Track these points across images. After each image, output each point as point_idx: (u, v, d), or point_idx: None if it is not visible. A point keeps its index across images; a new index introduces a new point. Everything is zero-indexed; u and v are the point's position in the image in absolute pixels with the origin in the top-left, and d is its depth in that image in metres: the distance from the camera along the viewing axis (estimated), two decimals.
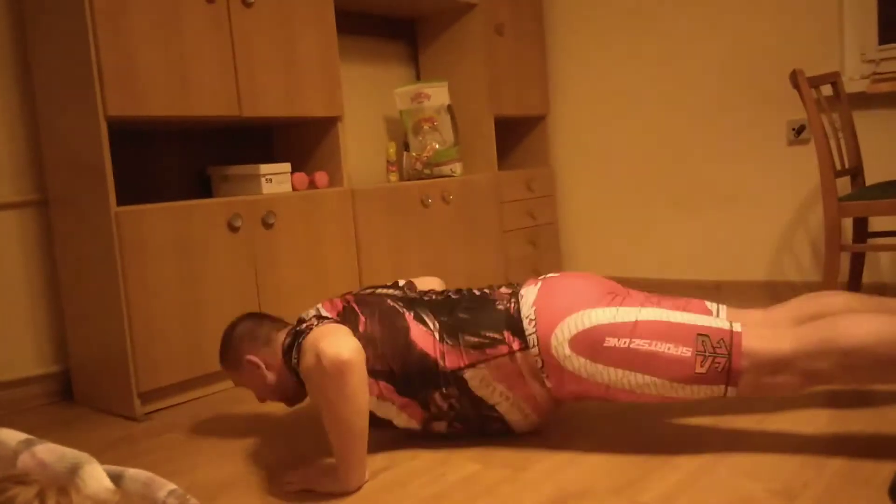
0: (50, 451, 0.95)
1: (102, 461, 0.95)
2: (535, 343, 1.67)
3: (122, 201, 2.62)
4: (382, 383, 1.75)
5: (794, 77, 2.52)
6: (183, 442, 2.04)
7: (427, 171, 3.35)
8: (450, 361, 1.72)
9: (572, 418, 1.95)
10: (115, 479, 0.96)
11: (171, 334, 2.33)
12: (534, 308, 1.69)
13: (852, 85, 2.93)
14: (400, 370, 1.74)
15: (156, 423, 2.24)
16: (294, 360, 1.68)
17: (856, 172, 2.77)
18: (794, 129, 3.17)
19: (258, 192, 2.63)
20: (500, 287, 1.83)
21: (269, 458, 1.85)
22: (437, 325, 1.76)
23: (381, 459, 1.78)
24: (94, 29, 2.18)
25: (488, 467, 1.68)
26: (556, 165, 3.93)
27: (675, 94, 3.49)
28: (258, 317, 1.96)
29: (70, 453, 0.95)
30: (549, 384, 1.69)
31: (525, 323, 1.69)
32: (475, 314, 1.75)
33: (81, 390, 2.49)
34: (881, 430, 1.70)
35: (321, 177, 2.82)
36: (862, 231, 2.82)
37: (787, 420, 1.81)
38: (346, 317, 1.80)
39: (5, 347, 2.47)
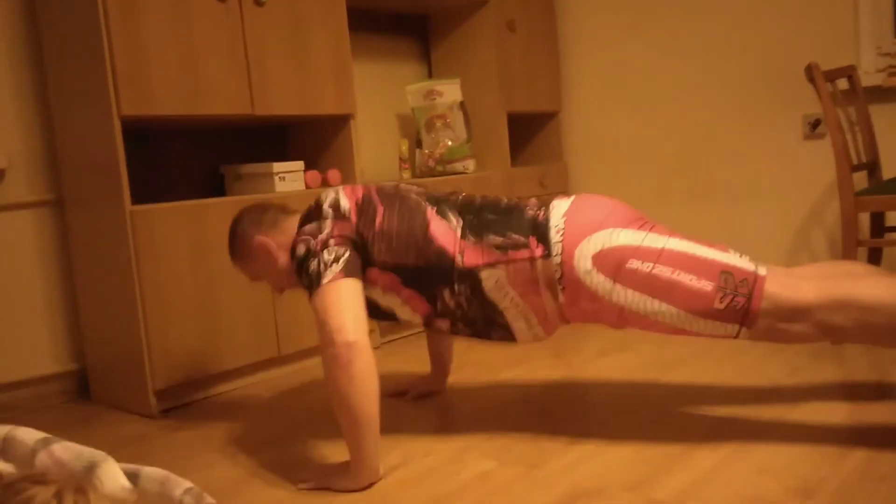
0: (67, 450, 0.95)
1: (118, 459, 0.96)
2: (559, 252, 1.65)
3: (136, 200, 2.63)
4: (390, 275, 1.74)
5: (810, 71, 2.50)
6: (198, 439, 2.05)
7: (440, 168, 3.34)
8: (468, 258, 1.71)
9: (587, 413, 1.95)
10: (132, 477, 0.96)
11: (186, 332, 2.34)
12: (564, 219, 1.68)
13: (868, 78, 2.91)
14: (413, 264, 1.73)
15: (171, 420, 2.25)
16: (304, 282, 1.67)
17: (872, 167, 2.75)
18: (809, 124, 3.15)
19: (271, 191, 2.64)
20: (529, 198, 1.81)
21: (284, 457, 1.86)
22: (461, 222, 1.75)
23: (395, 456, 1.78)
24: (107, 29, 2.19)
25: (503, 464, 1.68)
26: (568, 161, 3.92)
27: (689, 89, 3.47)
28: (261, 204, 1.94)
29: (87, 452, 0.95)
30: (562, 298, 1.68)
31: (552, 231, 1.67)
32: (503, 216, 1.73)
33: (98, 388, 2.51)
34: None
35: (334, 174, 2.83)
36: (879, 226, 2.79)
37: (806, 413, 1.80)
38: (364, 208, 1.76)
39: (22, 346, 2.49)
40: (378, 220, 1.75)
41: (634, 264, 1.60)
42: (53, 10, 2.37)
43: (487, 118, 3.53)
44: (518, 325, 1.76)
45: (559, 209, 1.71)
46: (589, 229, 1.65)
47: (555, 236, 1.66)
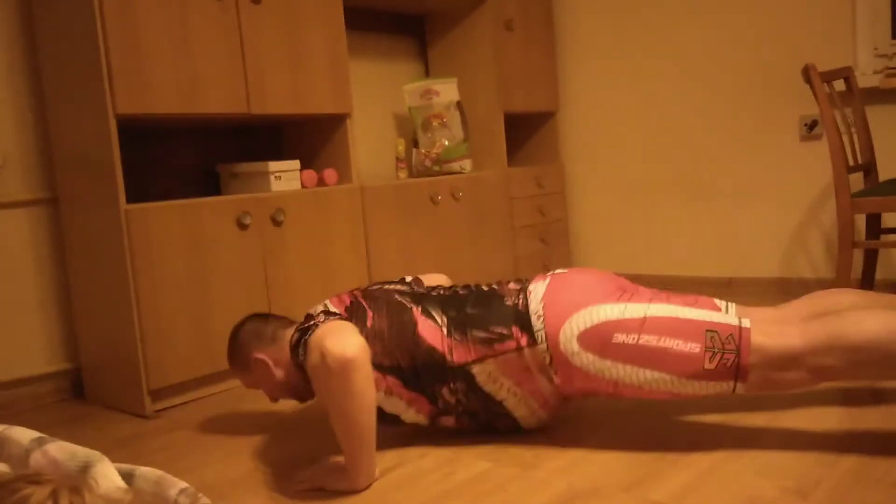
0: (62, 450, 0.95)
1: (113, 459, 0.95)
2: (544, 339, 1.66)
3: (131, 199, 2.62)
4: (390, 378, 1.75)
5: (807, 72, 2.50)
6: (193, 439, 2.04)
7: (436, 168, 3.34)
8: (457, 356, 1.72)
9: (582, 415, 1.95)
10: (127, 477, 0.96)
11: (180, 332, 2.34)
12: (542, 303, 1.69)
13: (865, 80, 2.91)
14: (408, 365, 1.74)
15: (166, 420, 2.24)
16: (301, 357, 1.68)
17: (869, 168, 2.75)
18: (806, 125, 3.15)
19: (267, 190, 2.63)
20: (508, 283, 1.82)
21: (279, 456, 1.85)
22: (445, 319, 1.76)
23: (390, 457, 1.78)
24: (103, 27, 2.18)
25: (498, 465, 1.67)
26: (565, 162, 3.92)
27: (687, 90, 3.47)
28: (263, 316, 1.97)
29: (81, 451, 0.95)
30: (557, 380, 1.69)
31: (533, 318, 1.68)
32: (483, 309, 1.74)
33: (92, 388, 2.50)
34: (894, 427, 1.69)
35: (330, 174, 2.82)
36: (875, 227, 2.80)
37: (800, 417, 1.80)
38: (353, 312, 1.79)
39: (16, 345, 2.48)
40: (369, 322, 1.77)
41: (620, 338, 1.60)
42: (49, 8, 2.36)
43: (484, 118, 3.53)
44: (520, 413, 1.77)
45: (536, 294, 1.72)
46: (569, 311, 1.65)
47: (536, 323, 1.67)
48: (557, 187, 3.82)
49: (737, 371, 1.55)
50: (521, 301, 1.72)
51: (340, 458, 1.78)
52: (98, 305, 2.39)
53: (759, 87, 3.26)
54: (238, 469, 1.79)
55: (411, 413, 1.79)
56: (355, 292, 1.87)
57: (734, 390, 1.58)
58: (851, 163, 2.71)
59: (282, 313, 2.59)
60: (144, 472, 0.97)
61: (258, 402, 2.34)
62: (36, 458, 0.94)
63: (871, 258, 2.83)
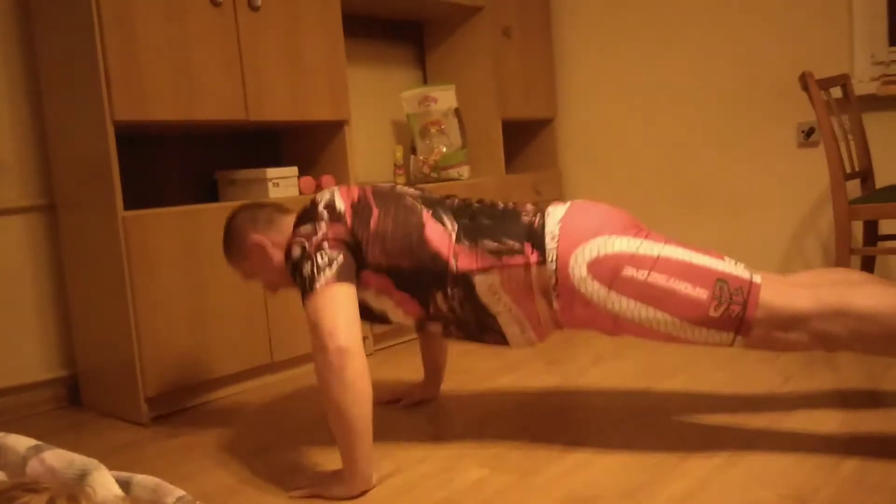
0: (58, 458, 0.94)
1: (110, 466, 0.95)
2: (554, 259, 1.65)
3: (129, 206, 2.62)
4: (383, 277, 1.74)
5: (804, 79, 2.51)
6: (190, 447, 2.04)
7: (434, 175, 3.34)
8: (462, 263, 1.70)
9: (582, 421, 1.95)
10: (124, 485, 0.95)
11: (178, 339, 2.33)
12: (559, 225, 1.68)
13: (862, 87, 2.92)
14: (408, 267, 1.72)
15: (163, 427, 2.24)
16: (297, 281, 1.67)
17: (866, 175, 2.76)
18: (803, 132, 3.16)
19: (265, 196, 2.63)
20: (525, 204, 1.81)
21: (276, 464, 1.85)
22: (455, 226, 1.74)
23: (388, 464, 1.77)
24: (101, 33, 2.18)
25: (496, 472, 1.67)
26: (563, 168, 3.92)
27: (684, 97, 3.48)
28: (257, 203, 1.93)
29: (78, 459, 0.94)
30: (556, 305, 1.67)
31: (547, 238, 1.67)
32: (498, 221, 1.73)
33: (89, 395, 2.49)
34: (894, 431, 1.69)
35: (328, 180, 2.82)
36: (872, 234, 2.80)
37: (800, 421, 1.80)
38: (359, 210, 1.76)
39: (13, 352, 2.47)
40: (373, 221, 1.75)
41: (630, 272, 1.60)
42: (47, 15, 2.36)
43: (482, 125, 3.53)
44: (511, 330, 1.75)
45: (555, 215, 1.71)
46: (584, 236, 1.65)
47: (550, 243, 1.66)
48: (555, 194, 3.83)
49: (740, 323, 1.55)
50: (537, 220, 1.71)
51: (338, 467, 1.77)
52: (95, 312, 2.38)
53: (757, 94, 3.27)
54: (235, 477, 1.79)
55: (399, 313, 1.79)
56: (366, 187, 1.83)
57: (733, 342, 1.58)
58: (848, 170, 2.72)
59: (279, 323, 2.59)
60: (141, 479, 0.97)
61: (256, 409, 2.33)
62: (33, 466, 0.93)
63: (868, 265, 2.83)
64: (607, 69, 3.70)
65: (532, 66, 3.71)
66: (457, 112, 3.36)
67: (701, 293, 1.57)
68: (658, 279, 1.59)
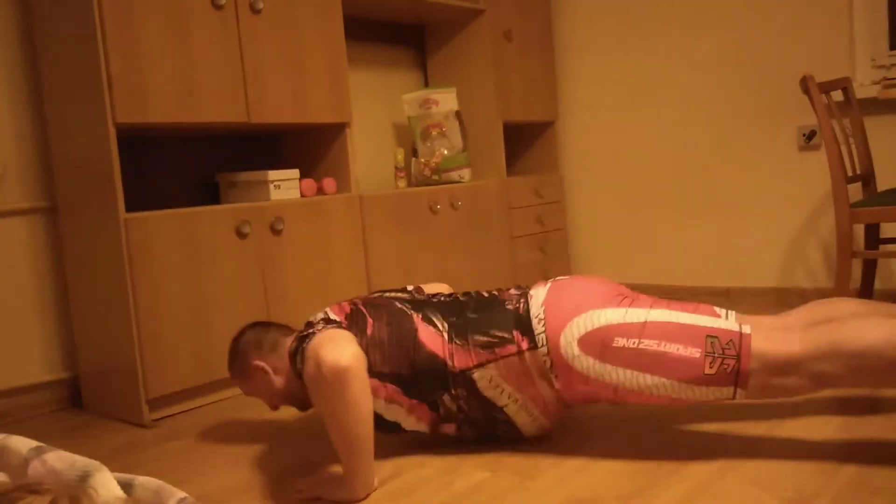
0: (60, 459, 0.95)
1: (111, 468, 0.95)
2: (545, 342, 1.66)
3: (130, 208, 2.62)
4: (390, 386, 1.75)
5: (805, 83, 2.51)
6: (191, 449, 2.04)
7: (435, 178, 3.35)
8: (458, 361, 1.72)
9: (582, 425, 1.95)
10: (126, 487, 0.95)
11: (179, 341, 2.33)
12: (543, 307, 1.69)
13: (863, 90, 2.92)
14: (408, 372, 1.74)
15: (164, 429, 2.24)
16: (299, 366, 1.68)
17: (867, 178, 2.76)
18: (804, 135, 3.16)
19: (266, 199, 2.63)
20: (509, 289, 1.83)
21: (277, 466, 1.85)
22: (445, 325, 1.76)
23: (388, 467, 1.77)
24: (102, 36, 2.19)
25: (497, 475, 1.67)
26: (564, 171, 3.92)
27: (685, 100, 3.48)
28: (264, 324, 1.97)
29: (80, 461, 0.95)
30: (557, 385, 1.69)
31: (534, 322, 1.68)
32: (484, 314, 1.74)
33: (90, 397, 2.50)
34: (893, 436, 1.69)
35: (329, 183, 2.82)
36: (874, 237, 2.80)
37: (799, 427, 1.80)
38: (353, 319, 1.79)
39: (14, 354, 2.48)
40: (369, 330, 1.77)
41: (620, 342, 1.61)
42: (49, 17, 2.37)
43: (483, 127, 3.54)
44: (521, 419, 1.77)
45: (537, 298, 1.72)
46: (570, 315, 1.66)
47: (537, 327, 1.68)
48: (556, 197, 3.83)
49: (737, 377, 1.55)
50: (521, 305, 1.72)
51: (339, 468, 1.77)
52: (97, 314, 2.39)
53: (758, 97, 3.27)
54: (236, 478, 1.79)
55: (412, 421, 1.79)
56: (356, 300, 1.87)
57: (734, 396, 1.58)
58: (850, 173, 2.72)
59: (280, 322, 2.59)
60: (143, 481, 0.97)
61: (257, 411, 2.33)
62: (35, 468, 0.93)
63: (869, 268, 2.83)
64: (608, 72, 3.71)
65: (533, 69, 3.72)
66: (458, 115, 3.36)
67: (693, 352, 1.57)
68: (649, 345, 1.59)
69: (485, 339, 1.71)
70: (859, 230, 2.99)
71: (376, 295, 1.90)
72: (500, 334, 1.70)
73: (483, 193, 3.37)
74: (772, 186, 3.27)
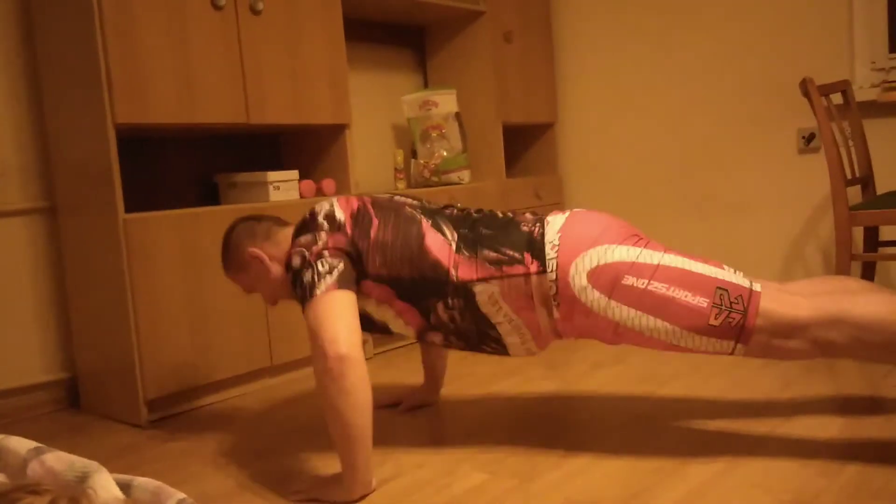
0: (59, 460, 0.94)
1: (110, 469, 0.95)
2: (554, 268, 1.65)
3: (129, 208, 2.62)
4: (385, 287, 1.74)
5: (805, 85, 2.51)
6: (190, 450, 2.03)
7: (435, 179, 3.34)
8: (462, 272, 1.71)
9: (582, 426, 1.94)
10: (124, 488, 0.95)
11: (178, 342, 2.33)
12: (559, 234, 1.68)
13: (862, 93, 2.92)
14: (408, 276, 1.72)
15: (162, 430, 2.23)
16: (298, 291, 1.66)
17: (866, 181, 2.76)
18: (804, 138, 3.16)
19: (266, 200, 2.63)
20: (524, 212, 1.82)
21: (275, 467, 1.85)
22: (455, 235, 1.75)
23: (387, 468, 1.77)
24: (102, 36, 2.19)
25: (496, 477, 1.67)
26: (564, 173, 3.92)
27: (685, 103, 3.48)
28: (255, 216, 1.93)
29: (79, 462, 0.94)
30: (557, 314, 1.68)
31: (547, 247, 1.67)
32: (498, 231, 1.73)
33: (88, 398, 2.49)
34: (894, 436, 1.69)
35: (329, 184, 2.82)
36: (873, 240, 2.80)
37: (800, 427, 1.80)
38: (358, 219, 1.76)
39: (12, 354, 2.47)
40: (373, 231, 1.75)
41: (630, 280, 1.60)
42: (49, 17, 2.36)
43: (483, 129, 3.54)
44: (511, 340, 1.76)
45: (554, 225, 1.71)
46: (584, 245, 1.65)
47: (550, 252, 1.66)
48: (556, 198, 3.83)
49: (740, 331, 1.56)
50: (537, 229, 1.71)
51: (337, 471, 1.77)
52: (95, 315, 2.38)
53: (757, 99, 3.27)
54: (235, 480, 1.79)
55: (400, 323, 1.79)
56: (364, 198, 1.84)
57: (733, 351, 1.58)
58: (849, 176, 2.72)
59: (279, 326, 2.59)
60: (142, 482, 0.97)
61: (256, 412, 2.33)
62: (33, 469, 0.93)
63: (868, 271, 2.83)
64: (608, 74, 3.71)
65: (533, 71, 3.72)
66: (457, 116, 3.36)
67: (701, 301, 1.57)
68: (658, 288, 1.59)
69: (494, 255, 1.70)
70: (858, 233, 2.99)
71: (387, 196, 1.87)
72: (510, 253, 1.69)
73: (482, 195, 3.37)
74: (771, 189, 3.27)
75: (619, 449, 1.77)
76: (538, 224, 1.73)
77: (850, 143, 2.85)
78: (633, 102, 3.64)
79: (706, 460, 1.66)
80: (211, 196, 2.88)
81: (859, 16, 2.99)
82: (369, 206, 1.80)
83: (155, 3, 2.29)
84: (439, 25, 3.62)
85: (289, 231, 1.89)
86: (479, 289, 1.70)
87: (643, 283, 1.60)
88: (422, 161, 3.35)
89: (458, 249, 1.72)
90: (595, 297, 1.62)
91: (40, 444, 0.98)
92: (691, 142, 3.48)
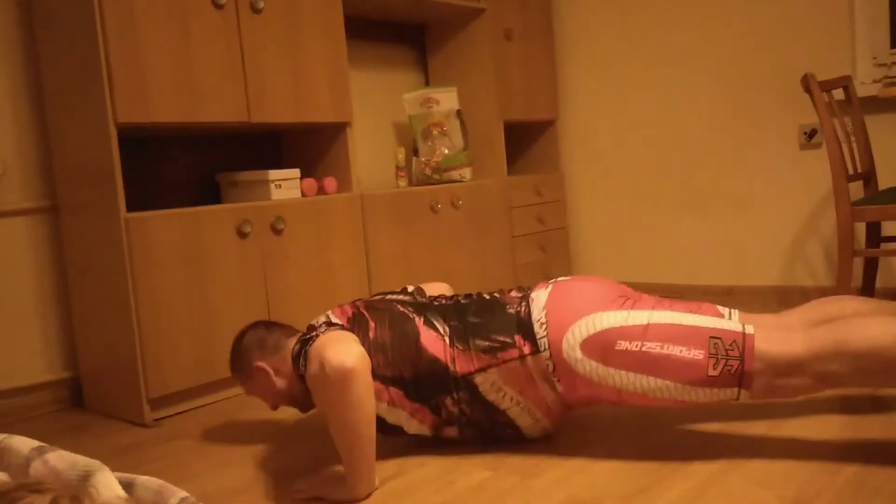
0: (62, 459, 0.94)
1: (112, 468, 0.95)
2: (546, 346, 1.66)
3: (131, 208, 2.62)
4: (393, 389, 1.74)
5: (806, 81, 2.51)
6: (192, 448, 2.04)
7: (436, 177, 3.34)
8: (460, 366, 1.72)
9: (584, 425, 1.94)
10: (127, 486, 0.95)
11: (180, 340, 2.33)
12: (545, 311, 1.68)
13: (864, 89, 2.92)
14: (411, 376, 1.73)
15: (165, 429, 2.24)
16: (302, 368, 1.68)
17: (868, 177, 2.75)
18: (805, 134, 3.16)
19: (267, 198, 2.63)
20: (510, 291, 1.82)
21: (278, 465, 1.85)
22: (447, 329, 1.75)
23: (390, 467, 1.77)
24: (103, 36, 2.19)
25: (498, 474, 1.67)
26: (565, 170, 3.92)
27: (686, 98, 3.48)
28: (267, 324, 1.96)
29: (82, 461, 0.94)
30: (560, 388, 1.68)
31: (536, 326, 1.68)
32: (486, 318, 1.74)
33: (91, 397, 2.50)
34: (895, 435, 1.69)
35: (330, 182, 2.82)
36: (875, 236, 2.80)
37: (800, 426, 1.79)
38: (356, 323, 1.79)
39: (15, 354, 2.48)
40: (371, 333, 1.77)
41: (623, 345, 1.60)
42: (50, 17, 2.37)
43: (484, 126, 3.53)
44: (523, 422, 1.77)
45: (539, 301, 1.71)
46: (571, 318, 1.65)
47: (539, 331, 1.67)
48: (557, 196, 3.83)
49: (741, 378, 1.55)
50: (523, 309, 1.72)
51: (340, 468, 1.77)
52: (97, 314, 2.39)
53: (759, 95, 3.27)
54: (238, 478, 1.79)
55: (414, 424, 1.79)
56: (357, 303, 1.87)
57: (738, 398, 1.57)
58: (851, 171, 2.72)
59: (282, 321, 2.59)
60: (145, 481, 0.97)
61: (258, 410, 2.33)
62: (36, 468, 0.93)
63: (871, 266, 2.83)
64: (609, 71, 3.70)
65: (534, 68, 3.71)
66: (459, 114, 3.36)
67: (697, 354, 1.56)
68: (652, 347, 1.58)
69: (486, 343, 1.71)
70: (860, 229, 2.99)
71: (378, 297, 1.90)
72: (501, 339, 1.70)
73: (484, 192, 3.37)
74: (773, 185, 3.27)
75: (621, 447, 1.78)
76: (523, 304, 1.73)
77: (852, 138, 2.84)
78: (635, 98, 3.63)
79: (708, 458, 1.66)
80: (212, 195, 2.88)
81: (861, 11, 2.98)
82: (363, 310, 1.83)
83: (155, 3, 2.29)
84: (440, 23, 3.61)
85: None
86: (479, 379, 1.71)
87: (637, 346, 1.59)
88: (423, 159, 3.35)
89: (451, 343, 1.74)
90: (592, 367, 1.62)
91: (43, 444, 0.98)
92: (693, 138, 3.48)
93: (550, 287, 1.74)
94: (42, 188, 2.53)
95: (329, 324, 1.76)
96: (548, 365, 1.66)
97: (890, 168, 2.97)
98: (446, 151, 3.34)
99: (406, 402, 1.75)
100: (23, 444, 0.98)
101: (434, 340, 1.74)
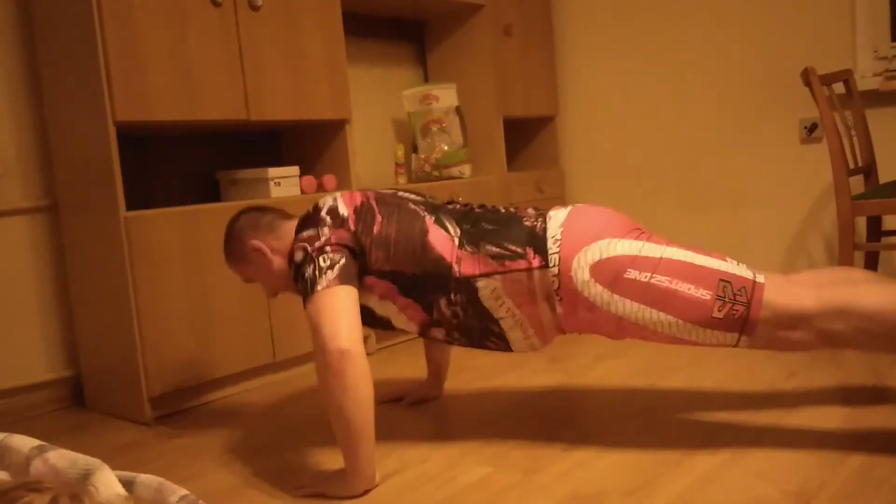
0: (62, 457, 0.94)
1: (113, 466, 0.95)
2: (556, 263, 1.65)
3: (131, 206, 2.62)
4: (387, 283, 1.74)
5: (806, 75, 2.50)
6: (193, 447, 2.04)
7: (436, 173, 3.34)
8: (465, 268, 1.71)
9: (584, 418, 1.94)
10: (127, 484, 0.95)
11: (180, 339, 2.33)
12: (561, 229, 1.68)
13: (865, 82, 2.91)
14: (411, 272, 1.73)
15: (166, 427, 2.24)
16: (300, 286, 1.67)
17: (869, 171, 2.75)
18: (806, 128, 3.15)
19: (267, 196, 2.63)
20: (526, 208, 1.82)
21: (279, 463, 1.85)
22: (458, 231, 1.75)
23: (391, 462, 1.77)
24: (102, 34, 2.18)
25: (499, 470, 1.67)
26: (565, 166, 3.92)
27: (686, 93, 3.47)
28: (260, 207, 1.93)
29: (82, 459, 0.94)
30: (560, 309, 1.67)
31: (549, 242, 1.67)
32: (500, 226, 1.73)
33: (92, 395, 2.50)
34: None
35: (330, 180, 2.82)
36: (876, 230, 2.79)
37: (804, 418, 1.79)
38: (362, 215, 1.77)
39: (16, 353, 2.48)
40: (376, 227, 1.75)
41: (632, 274, 1.60)
42: (49, 15, 2.36)
43: (484, 123, 3.53)
44: (514, 335, 1.75)
45: (556, 219, 1.71)
46: (586, 240, 1.65)
47: (552, 247, 1.66)
48: (557, 191, 3.82)
49: (744, 323, 1.55)
50: (539, 224, 1.71)
51: (340, 466, 1.77)
52: (98, 313, 2.39)
53: (759, 90, 3.26)
54: (238, 476, 1.79)
55: (402, 319, 1.79)
56: (368, 193, 1.84)
57: (738, 343, 1.58)
58: (852, 165, 2.71)
59: (281, 322, 2.59)
60: (145, 479, 0.97)
61: (259, 408, 2.33)
62: (36, 467, 0.93)
63: (871, 260, 2.83)
64: (609, 66, 3.70)
65: (533, 64, 3.71)
66: (458, 110, 3.36)
67: (704, 294, 1.57)
68: (661, 281, 1.58)
69: (497, 249, 1.70)
70: (861, 222, 2.99)
71: (389, 192, 1.87)
72: (513, 248, 1.69)
73: (484, 189, 3.37)
74: (773, 179, 3.27)
75: (623, 441, 1.77)
76: (540, 219, 1.73)
77: (853, 132, 2.84)
78: (635, 93, 3.63)
79: (710, 451, 1.66)
80: (212, 193, 2.88)
81: (861, 4, 2.98)
82: (373, 202, 1.80)
83: (154, 1, 2.28)
84: (439, 19, 3.61)
85: (292, 224, 1.89)
86: (481, 284, 1.70)
87: (646, 277, 1.59)
88: (422, 155, 3.35)
89: (460, 245, 1.73)
90: (598, 291, 1.62)
91: (43, 443, 0.98)
92: (693, 133, 3.48)
93: (570, 208, 1.74)
94: (42, 187, 2.53)
95: (334, 214, 1.73)
96: (553, 282, 1.65)
97: (891, 162, 2.96)
98: (446, 148, 3.33)
99: (398, 297, 1.75)
100: (23, 442, 0.97)
101: (442, 240, 1.73)
